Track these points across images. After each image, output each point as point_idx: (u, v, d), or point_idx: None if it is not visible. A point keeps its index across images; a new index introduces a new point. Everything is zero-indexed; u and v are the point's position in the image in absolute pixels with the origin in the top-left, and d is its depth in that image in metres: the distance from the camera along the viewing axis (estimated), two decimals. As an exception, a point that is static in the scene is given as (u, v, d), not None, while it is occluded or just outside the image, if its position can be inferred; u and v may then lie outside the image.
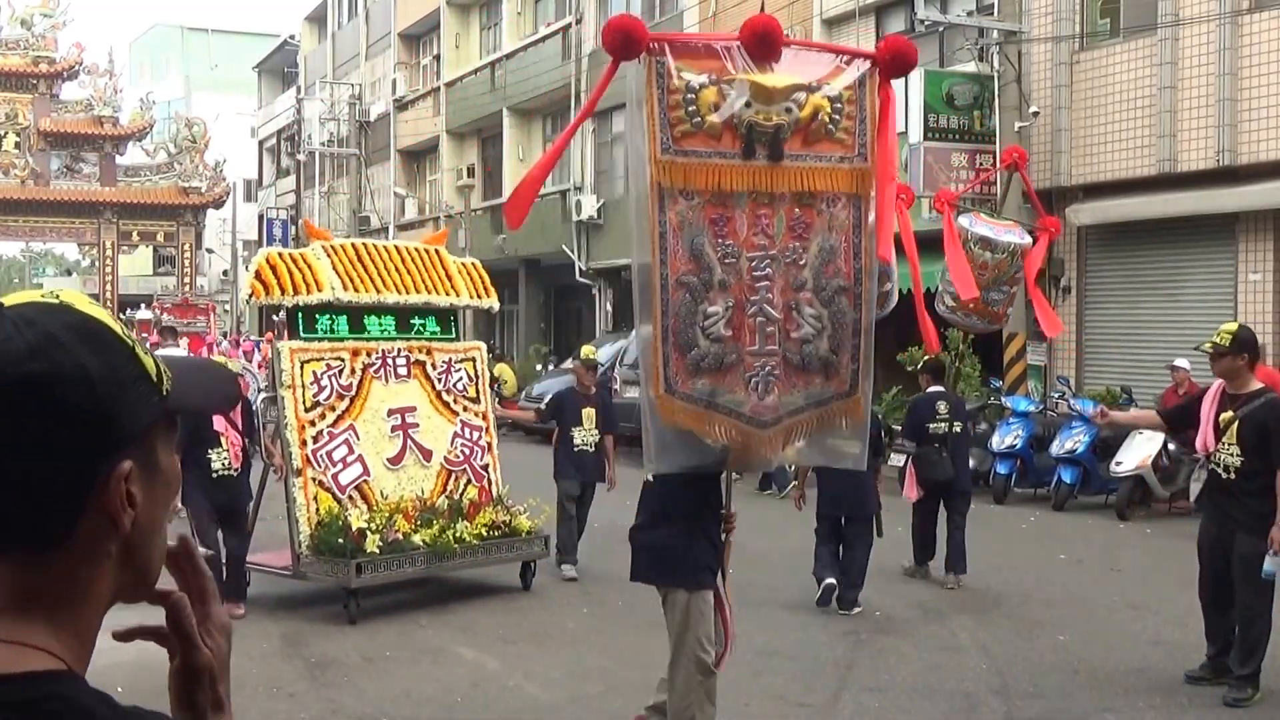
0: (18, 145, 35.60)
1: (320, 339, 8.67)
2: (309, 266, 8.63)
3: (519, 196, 5.50)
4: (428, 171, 36.58)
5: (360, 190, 36.23)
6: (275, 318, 25.45)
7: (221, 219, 48.19)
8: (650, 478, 5.41)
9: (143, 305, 25.96)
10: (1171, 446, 12.97)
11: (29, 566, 1.04)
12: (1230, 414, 6.54)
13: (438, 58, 35.00)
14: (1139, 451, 12.91)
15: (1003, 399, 15.12)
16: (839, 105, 5.03)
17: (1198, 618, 8.34)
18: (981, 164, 16.25)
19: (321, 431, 8.51)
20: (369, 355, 8.83)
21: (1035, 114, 15.71)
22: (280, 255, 8.73)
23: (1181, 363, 13.32)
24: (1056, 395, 14.46)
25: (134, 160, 38.24)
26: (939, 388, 10.08)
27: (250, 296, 8.53)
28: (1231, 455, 6.50)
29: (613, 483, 9.88)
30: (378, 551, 8.15)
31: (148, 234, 37.84)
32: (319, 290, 8.56)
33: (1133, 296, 15.81)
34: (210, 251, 49.27)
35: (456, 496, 9.01)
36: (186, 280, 36.56)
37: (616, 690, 6.75)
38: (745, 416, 4.95)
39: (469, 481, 9.20)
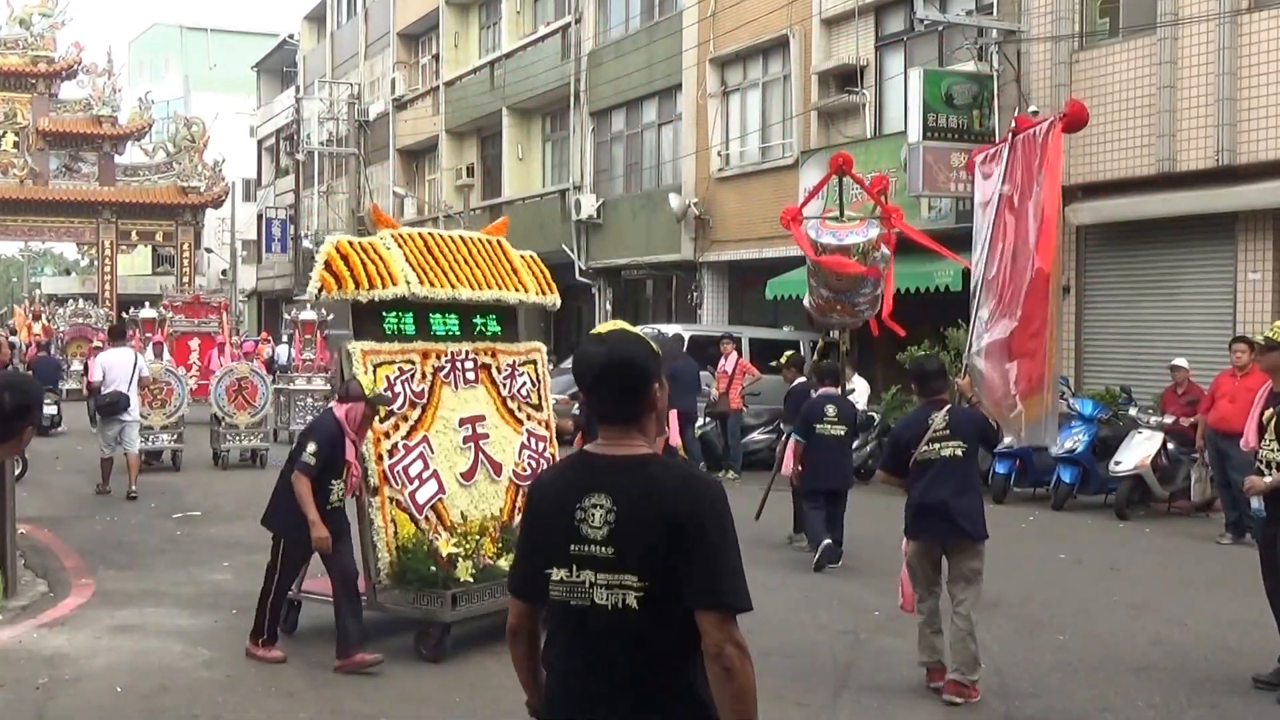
0: (16, 145, 35.62)
1: (390, 339, 7.71)
2: (380, 258, 7.62)
3: None
4: (427, 171, 36.58)
5: (359, 190, 36.24)
6: (286, 315, 25.18)
7: (220, 218, 48.19)
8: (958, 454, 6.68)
9: (147, 304, 25.20)
10: (1171, 446, 12.97)
11: (638, 425, 2.87)
12: (1272, 411, 6.51)
13: (437, 57, 34.99)
14: (1138, 451, 12.90)
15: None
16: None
17: (1198, 618, 8.35)
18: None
19: (397, 444, 7.57)
20: (438, 358, 7.89)
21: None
22: (351, 244, 7.61)
23: (1181, 362, 13.32)
24: (1055, 395, 14.44)
25: (133, 160, 38.26)
26: (832, 390, 10.66)
27: (320, 290, 7.38)
28: (1272, 451, 6.46)
29: None
30: (471, 580, 7.26)
31: (146, 233, 37.87)
32: (393, 284, 7.58)
33: (1132, 296, 15.80)
34: (209, 251, 49.27)
35: None
36: (185, 280, 36.57)
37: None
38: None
39: None
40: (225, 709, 6.36)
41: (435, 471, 7.70)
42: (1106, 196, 15.55)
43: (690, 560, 2.68)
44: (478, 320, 8.28)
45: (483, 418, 8.06)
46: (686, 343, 17.83)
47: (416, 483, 7.60)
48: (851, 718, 6.39)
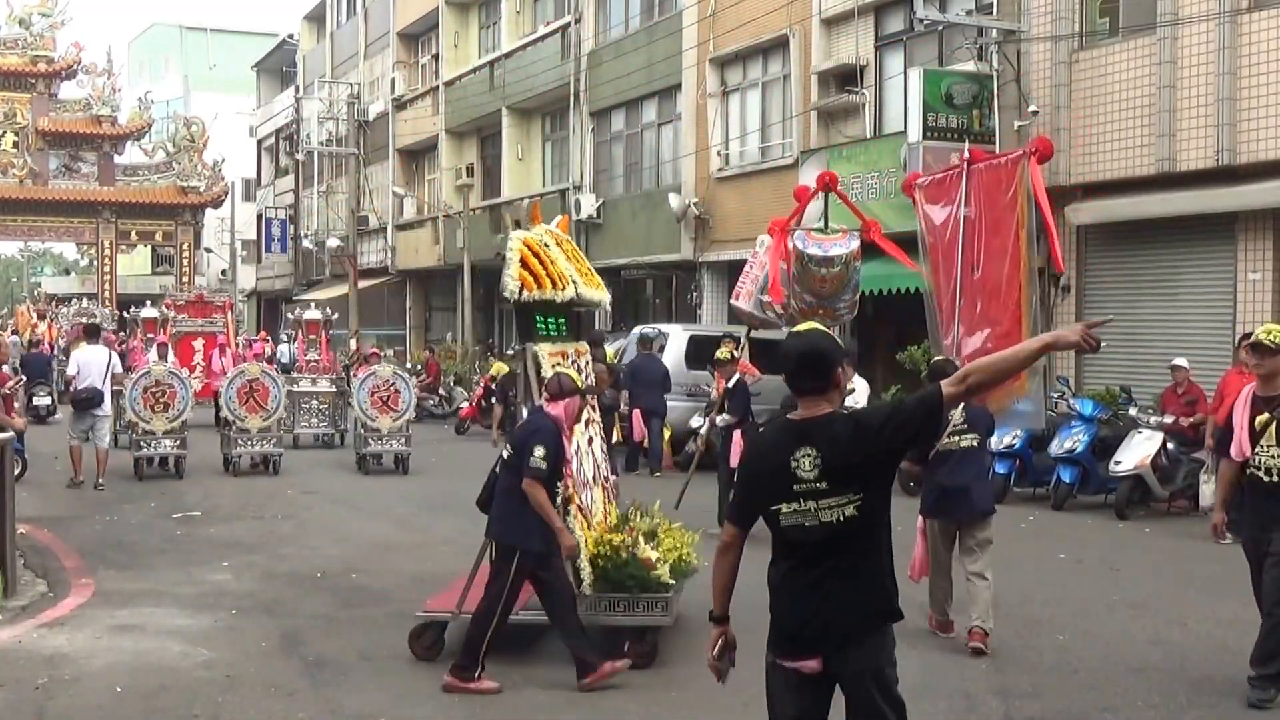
0: (16, 145, 35.61)
1: (544, 341, 7.48)
2: (550, 258, 7.45)
3: None
4: (426, 171, 36.58)
5: (359, 190, 36.22)
6: (290, 314, 25.08)
7: (220, 218, 48.20)
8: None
9: (148, 303, 24.71)
10: (1170, 446, 12.97)
11: (825, 396, 3.86)
12: (1266, 416, 6.44)
13: (436, 57, 35.00)
14: (1138, 451, 12.90)
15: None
16: None
17: (1198, 618, 8.35)
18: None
19: (578, 447, 7.46)
20: (577, 357, 7.88)
21: (1034, 113, 15.70)
22: (529, 242, 7.39)
23: (1181, 362, 13.31)
24: (1056, 395, 14.45)
25: (132, 160, 38.26)
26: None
27: (521, 290, 7.12)
28: (1273, 457, 6.34)
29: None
30: (673, 582, 7.13)
31: (146, 233, 37.87)
32: (565, 285, 7.42)
33: (1132, 296, 15.79)
34: (209, 251, 49.27)
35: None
36: (185, 280, 36.56)
37: (616, 690, 6.73)
38: None
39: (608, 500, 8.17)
40: (225, 709, 6.36)
41: (589, 475, 7.65)
42: (1106, 196, 15.55)
43: (881, 473, 3.90)
44: (566, 320, 8.11)
45: (591, 419, 8.12)
46: (686, 342, 17.85)
47: (585, 487, 7.50)
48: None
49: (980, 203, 9.35)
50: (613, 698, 6.61)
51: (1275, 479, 6.36)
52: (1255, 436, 6.43)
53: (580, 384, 6.93)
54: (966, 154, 9.33)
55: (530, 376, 7.19)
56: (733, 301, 11.91)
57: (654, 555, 7.13)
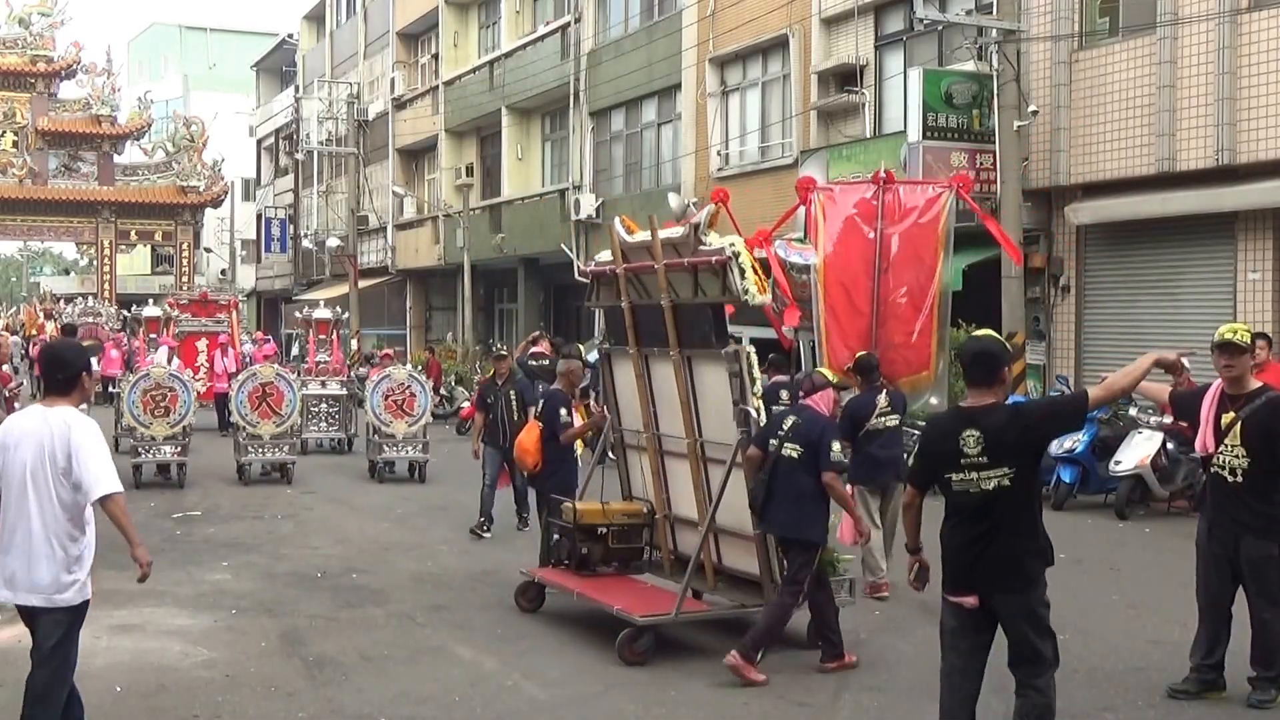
0: (15, 144, 35.62)
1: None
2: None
3: None
4: (426, 170, 36.57)
5: (358, 189, 36.21)
6: (298, 313, 25.01)
7: (219, 218, 48.20)
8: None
9: (150, 301, 24.05)
10: (1170, 446, 12.97)
11: (991, 390, 5.01)
12: (1232, 415, 6.45)
13: (436, 56, 34.98)
14: (1138, 451, 12.90)
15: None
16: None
17: (1197, 618, 8.34)
18: (981, 163, 16.23)
19: None
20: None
21: (1034, 113, 15.70)
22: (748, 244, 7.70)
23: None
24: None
25: (132, 159, 38.26)
26: (783, 378, 11.97)
27: (755, 294, 7.32)
28: (1237, 457, 6.37)
29: None
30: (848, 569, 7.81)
31: (145, 233, 37.87)
32: (766, 289, 7.62)
33: (1132, 296, 15.80)
34: (208, 250, 49.27)
35: None
36: (185, 280, 36.58)
37: (616, 690, 6.74)
38: None
39: None
40: (224, 709, 6.36)
41: None
42: (1106, 196, 15.55)
43: (1032, 453, 5.00)
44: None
45: None
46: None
47: None
48: (851, 717, 6.38)
49: (895, 224, 10.27)
50: (613, 698, 6.61)
51: (1238, 479, 6.38)
52: (1220, 435, 6.44)
53: (832, 379, 7.59)
54: (882, 175, 10.17)
55: (744, 376, 7.38)
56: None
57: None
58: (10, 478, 5.25)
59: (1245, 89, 13.97)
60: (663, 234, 7.85)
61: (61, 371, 5.37)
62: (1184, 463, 13.00)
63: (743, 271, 7.23)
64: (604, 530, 8.37)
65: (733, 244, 7.36)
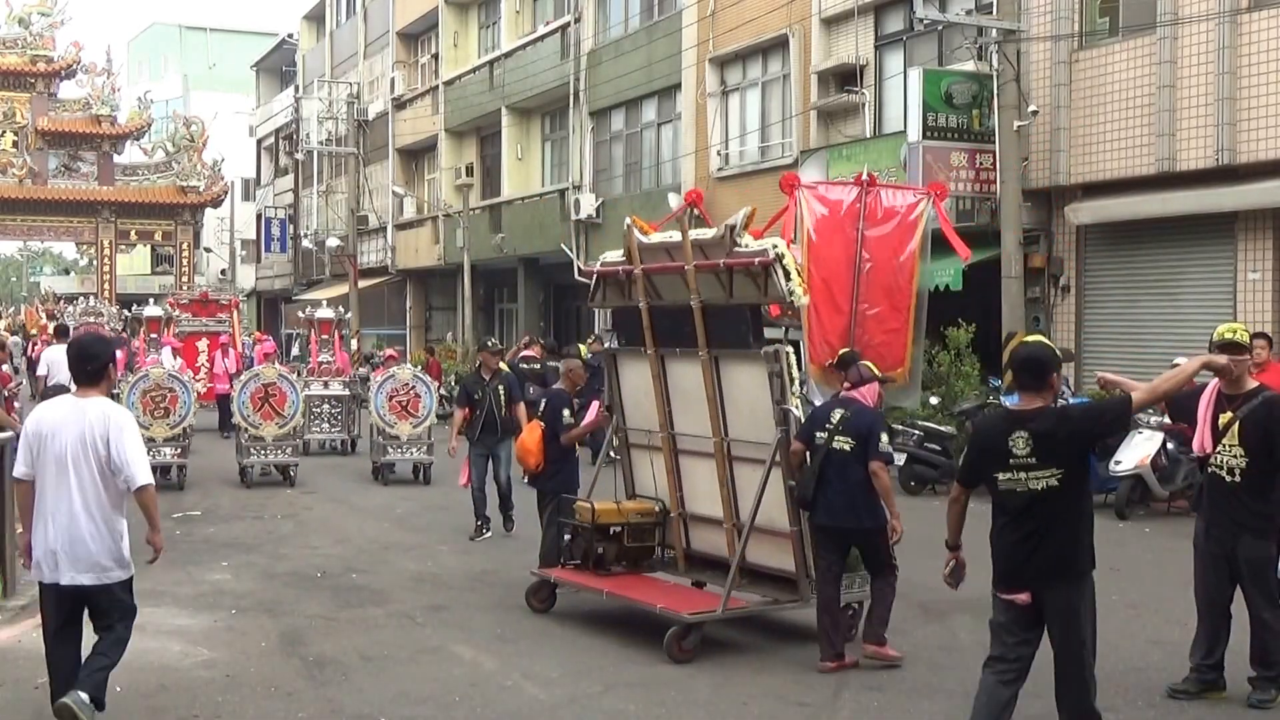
0: (15, 144, 35.57)
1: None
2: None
3: None
4: (426, 170, 36.57)
5: (358, 189, 36.20)
6: (301, 313, 24.99)
7: (219, 218, 48.17)
8: None
9: (152, 300, 23.83)
10: (1170, 446, 12.97)
11: (1039, 394, 5.16)
12: (1230, 414, 6.44)
13: (436, 56, 34.98)
14: (1138, 451, 12.90)
15: (1001, 398, 15.10)
16: None
17: (1196, 618, 8.33)
18: (981, 163, 16.23)
19: None
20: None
21: (1034, 113, 15.70)
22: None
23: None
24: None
25: (132, 159, 38.20)
26: None
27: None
28: (1234, 457, 6.36)
29: None
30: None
31: (145, 233, 37.82)
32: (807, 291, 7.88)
33: (1132, 295, 15.80)
34: (208, 250, 49.26)
35: None
36: (185, 279, 36.55)
37: (615, 690, 6.74)
38: None
39: None
40: (224, 708, 6.36)
41: None
42: (1106, 196, 15.55)
43: (1080, 454, 5.17)
44: None
45: None
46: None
47: None
48: (851, 717, 6.38)
49: (876, 225, 10.54)
50: (613, 698, 6.61)
51: (1236, 479, 6.37)
52: (1218, 435, 6.43)
53: (878, 373, 7.67)
54: (864, 177, 10.40)
55: (784, 375, 7.48)
56: None
57: None
58: (48, 464, 5.62)
59: (1245, 89, 13.97)
60: (693, 235, 7.87)
61: (90, 363, 5.81)
62: (1184, 463, 12.99)
63: (787, 273, 7.31)
64: (619, 529, 8.41)
65: (775, 245, 7.43)
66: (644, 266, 8.25)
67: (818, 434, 7.32)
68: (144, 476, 5.70)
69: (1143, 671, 7.10)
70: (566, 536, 8.75)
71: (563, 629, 8.12)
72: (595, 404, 9.92)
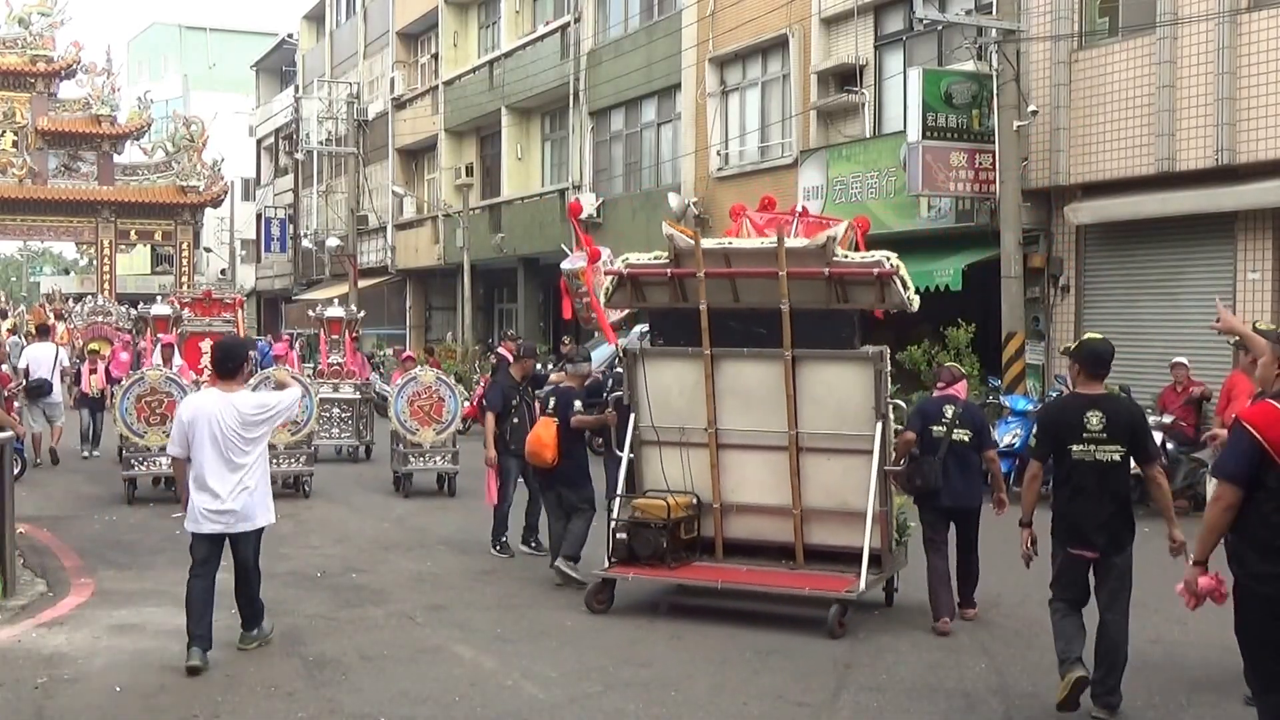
0: (15, 144, 35.58)
1: None
2: None
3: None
4: (426, 170, 36.57)
5: (358, 189, 36.21)
6: (311, 312, 24.89)
7: (219, 218, 48.17)
8: None
9: (159, 299, 23.60)
10: (1170, 446, 12.96)
11: (1100, 380, 6.41)
12: None
13: (436, 56, 34.98)
14: (1138, 451, 12.87)
15: (1001, 398, 15.11)
16: None
17: (1196, 617, 8.32)
18: (981, 163, 16.23)
19: None
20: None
21: (1034, 113, 15.70)
22: None
23: (1181, 360, 13.29)
24: (1055, 394, 14.44)
25: (132, 159, 38.21)
26: None
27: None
28: None
29: None
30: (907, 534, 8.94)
31: (145, 233, 37.82)
32: None
33: (1132, 296, 15.80)
34: (208, 250, 49.26)
35: None
36: (185, 279, 36.55)
37: (615, 689, 6.74)
38: None
39: None
40: (224, 708, 6.36)
41: None
42: (1106, 196, 15.55)
43: (1140, 441, 6.27)
44: None
45: None
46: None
47: None
48: (851, 718, 6.38)
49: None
50: (613, 698, 6.61)
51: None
52: None
53: (966, 371, 8.95)
54: (800, 208, 10.59)
55: (885, 375, 8.26)
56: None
57: None
58: (202, 441, 7.05)
59: (1245, 89, 13.97)
60: (788, 244, 8.30)
61: (231, 361, 7.26)
62: (1184, 463, 13.00)
63: (904, 283, 8.06)
64: (680, 522, 8.75)
65: (889, 257, 8.09)
66: (708, 270, 8.49)
67: (934, 428, 8.23)
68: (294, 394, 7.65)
69: (1143, 672, 7.09)
70: (621, 535, 8.69)
71: (563, 629, 8.12)
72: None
